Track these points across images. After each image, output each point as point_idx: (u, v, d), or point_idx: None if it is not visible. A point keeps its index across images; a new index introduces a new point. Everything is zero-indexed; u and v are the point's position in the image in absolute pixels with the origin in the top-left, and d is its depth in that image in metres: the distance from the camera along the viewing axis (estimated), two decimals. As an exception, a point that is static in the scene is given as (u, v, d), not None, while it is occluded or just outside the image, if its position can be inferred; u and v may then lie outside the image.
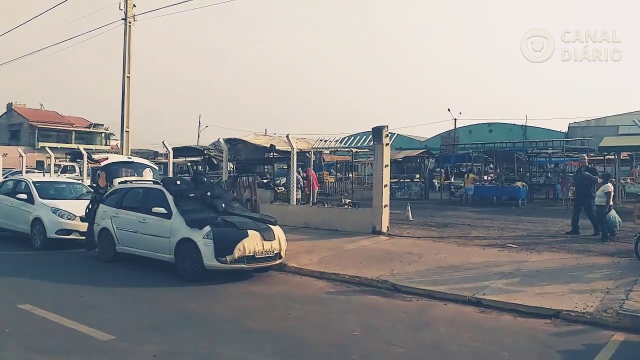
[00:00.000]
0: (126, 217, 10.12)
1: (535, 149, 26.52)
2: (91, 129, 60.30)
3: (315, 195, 17.55)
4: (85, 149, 22.16)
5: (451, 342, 5.90)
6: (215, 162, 24.32)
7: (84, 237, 11.18)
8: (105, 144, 58.27)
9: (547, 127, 47.26)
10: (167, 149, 18.26)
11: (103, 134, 60.61)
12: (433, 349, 5.72)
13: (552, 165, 27.95)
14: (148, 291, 8.26)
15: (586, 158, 15.35)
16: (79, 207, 11.76)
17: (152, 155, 30.97)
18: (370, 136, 13.90)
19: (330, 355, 5.51)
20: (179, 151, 22.99)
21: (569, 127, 47.23)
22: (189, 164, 28.59)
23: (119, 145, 23.67)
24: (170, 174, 18.14)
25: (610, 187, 12.35)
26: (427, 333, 6.26)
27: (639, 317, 6.44)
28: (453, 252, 11.03)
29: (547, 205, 22.88)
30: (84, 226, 11.27)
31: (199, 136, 57.49)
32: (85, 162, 20.56)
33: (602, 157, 24.90)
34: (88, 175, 20.16)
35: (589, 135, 33.43)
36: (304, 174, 18.21)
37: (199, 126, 58.49)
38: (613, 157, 24.45)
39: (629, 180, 23.86)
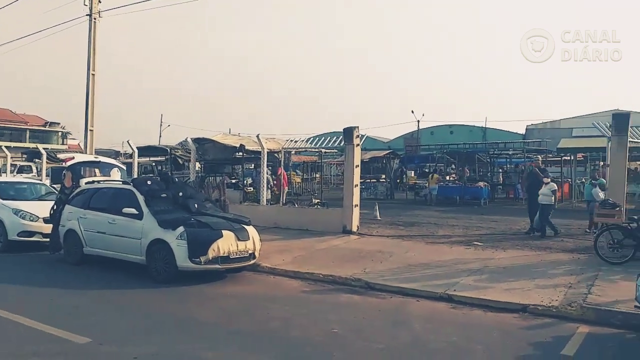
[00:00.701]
0: (94, 218, 9.89)
1: (497, 150, 27.33)
2: (47, 128, 58.10)
3: (285, 195, 17.57)
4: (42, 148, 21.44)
5: (428, 338, 6.08)
6: (181, 162, 23.96)
7: (47, 239, 10.90)
8: (62, 143, 56.24)
9: (506, 129, 48.77)
10: (131, 148, 17.90)
11: (60, 133, 58.47)
12: (411, 344, 5.88)
13: (513, 165, 28.86)
14: (121, 293, 8.11)
15: (540, 158, 15.93)
16: (42, 208, 11.48)
17: (114, 154, 30.20)
18: (336, 137, 14.05)
19: (314, 354, 5.58)
20: (142, 151, 22.48)
21: (526, 129, 48.89)
22: (153, 164, 28.03)
23: (80, 145, 23.04)
24: (135, 174, 17.77)
25: (555, 185, 12.91)
26: (404, 329, 6.41)
27: (602, 310, 6.82)
28: (422, 250, 11.30)
29: (508, 204, 23.60)
30: (47, 228, 10.99)
31: (160, 135, 56.41)
32: (44, 162, 19.92)
33: (560, 158, 25.95)
34: (47, 175, 19.52)
35: (545, 137, 34.74)
36: (270, 174, 18.20)
37: (161, 125, 57.43)
38: (569, 158, 25.54)
39: (584, 180, 24.92)
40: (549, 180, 13.04)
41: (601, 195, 12.90)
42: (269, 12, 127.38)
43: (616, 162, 11.76)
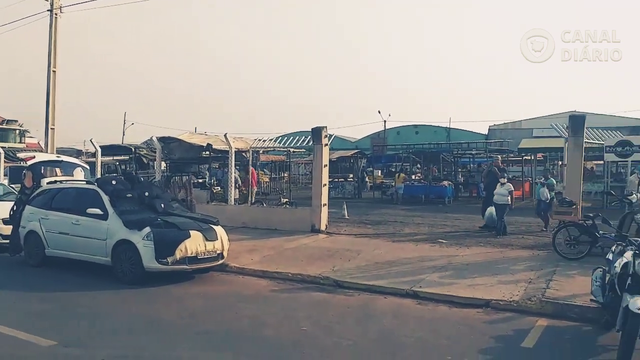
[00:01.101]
0: (57, 219, 9.67)
1: (460, 149, 27.97)
2: (4, 126, 55.81)
3: (253, 195, 17.51)
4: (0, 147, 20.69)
5: (396, 333, 6.23)
6: (146, 161, 23.56)
7: (7, 241, 10.60)
8: (20, 142, 54.12)
9: (469, 129, 49.84)
10: (95, 147, 17.53)
11: (17, 131, 56.17)
12: (380, 340, 6.01)
13: (476, 165, 29.59)
14: (85, 295, 7.96)
15: (500, 158, 16.28)
16: (1, 208, 11.11)
17: (76, 153, 29.45)
18: (304, 137, 14.08)
19: (285, 352, 5.63)
20: (105, 150, 22.04)
21: (489, 130, 50.07)
22: (117, 164, 27.45)
23: (40, 143, 22.28)
24: (99, 174, 17.39)
25: (511, 186, 13.33)
26: (372, 325, 6.56)
27: (560, 304, 7.12)
28: (389, 248, 11.48)
29: (471, 203, 24.14)
30: (7, 229, 10.71)
31: (124, 134, 55.05)
32: (2, 161, 19.24)
33: (520, 158, 26.78)
34: (5, 175, 18.86)
35: (507, 137, 35.73)
36: (238, 173, 18.12)
37: (124, 123, 56.03)
38: (530, 157, 26.39)
39: (542, 179, 25.80)
40: (505, 180, 13.38)
41: (547, 194, 13.42)
42: (233, 8, 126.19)
43: (573, 161, 12.22)
